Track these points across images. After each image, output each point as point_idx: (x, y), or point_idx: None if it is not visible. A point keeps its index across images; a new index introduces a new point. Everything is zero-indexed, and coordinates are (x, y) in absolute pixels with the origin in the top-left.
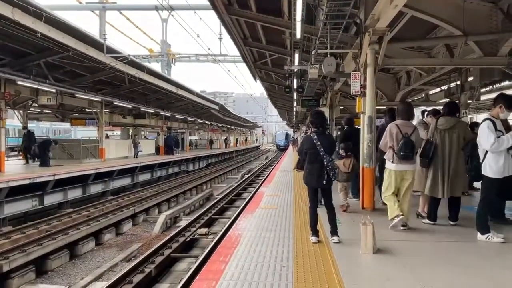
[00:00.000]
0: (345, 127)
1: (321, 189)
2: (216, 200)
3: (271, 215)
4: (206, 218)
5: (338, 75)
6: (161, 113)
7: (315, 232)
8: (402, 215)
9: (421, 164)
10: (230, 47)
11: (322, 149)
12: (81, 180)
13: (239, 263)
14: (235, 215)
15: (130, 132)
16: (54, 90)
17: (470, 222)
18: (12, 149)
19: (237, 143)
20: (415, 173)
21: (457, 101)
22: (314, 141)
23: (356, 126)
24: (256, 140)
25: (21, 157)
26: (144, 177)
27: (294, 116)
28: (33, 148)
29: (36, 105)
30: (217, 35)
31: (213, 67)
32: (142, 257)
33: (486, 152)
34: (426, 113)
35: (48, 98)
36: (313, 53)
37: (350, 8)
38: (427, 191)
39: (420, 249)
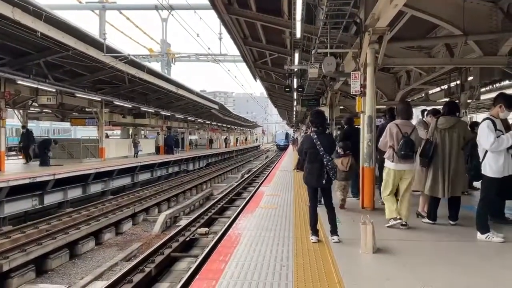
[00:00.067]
0: (345, 126)
1: (321, 189)
2: (216, 200)
3: (271, 214)
4: (206, 217)
5: (338, 75)
6: (161, 112)
7: (315, 232)
8: (400, 218)
9: (421, 164)
10: (230, 47)
11: (322, 148)
12: (81, 180)
13: (239, 262)
14: (235, 214)
15: (130, 132)
16: (54, 90)
17: (470, 221)
18: (9, 148)
19: (237, 143)
20: (414, 172)
21: (457, 101)
22: (314, 140)
23: (356, 126)
24: (256, 139)
25: (21, 157)
26: (144, 176)
27: (294, 116)
28: (33, 148)
29: (36, 104)
30: (217, 34)
31: (213, 67)
32: (142, 256)
33: (486, 151)
34: (426, 112)
35: (48, 98)
36: (313, 52)
37: (350, 8)
38: (427, 191)
39: (420, 248)
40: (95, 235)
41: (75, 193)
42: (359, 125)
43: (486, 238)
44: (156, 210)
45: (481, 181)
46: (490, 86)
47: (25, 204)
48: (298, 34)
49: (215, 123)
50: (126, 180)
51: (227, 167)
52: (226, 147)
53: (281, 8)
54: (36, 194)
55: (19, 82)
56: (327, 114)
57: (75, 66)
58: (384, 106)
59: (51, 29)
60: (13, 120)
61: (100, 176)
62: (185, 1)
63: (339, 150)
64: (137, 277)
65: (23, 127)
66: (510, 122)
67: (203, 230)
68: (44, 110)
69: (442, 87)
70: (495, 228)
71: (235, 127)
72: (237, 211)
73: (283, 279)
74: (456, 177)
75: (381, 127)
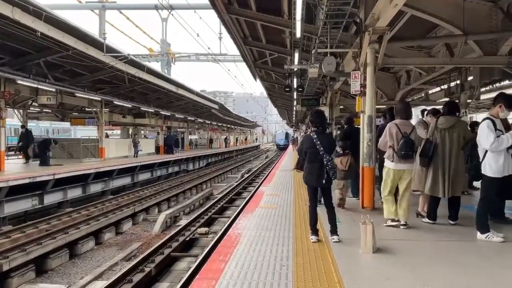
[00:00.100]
0: (345, 126)
1: (321, 188)
2: (216, 199)
3: (271, 214)
4: (206, 217)
5: (338, 75)
6: (161, 112)
7: (315, 231)
8: (398, 220)
9: (421, 164)
10: (230, 47)
11: (322, 148)
12: (81, 180)
13: (239, 262)
14: (235, 214)
15: (130, 132)
16: (53, 89)
17: (470, 221)
18: (8, 148)
19: (237, 143)
20: (413, 172)
21: (457, 101)
22: (314, 140)
23: (356, 126)
24: (256, 139)
25: (20, 156)
26: (144, 176)
27: (294, 116)
28: (32, 147)
29: (36, 104)
30: (217, 34)
31: (213, 67)
32: (142, 256)
33: (486, 151)
34: (426, 112)
35: (47, 97)
36: (313, 52)
37: (350, 7)
38: (428, 191)
39: (420, 248)
40: (95, 235)
41: (75, 193)
42: (359, 125)
43: (486, 238)
44: (156, 210)
45: (481, 181)
46: (490, 86)
47: (25, 204)
48: (298, 34)
49: (215, 123)
50: (126, 180)
51: (227, 167)
52: (226, 147)
53: (281, 7)
54: (36, 194)
55: (19, 82)
56: (327, 114)
57: (75, 66)
58: (384, 106)
59: (51, 29)
60: (13, 119)
61: (100, 176)
62: (185, 0)
63: (338, 150)
64: (137, 277)
65: (22, 126)
66: (510, 122)
67: (203, 230)
68: (44, 110)
69: (442, 87)
70: (495, 228)
71: (235, 127)
72: (237, 211)
73: (283, 279)
74: (456, 177)
75: (381, 127)
